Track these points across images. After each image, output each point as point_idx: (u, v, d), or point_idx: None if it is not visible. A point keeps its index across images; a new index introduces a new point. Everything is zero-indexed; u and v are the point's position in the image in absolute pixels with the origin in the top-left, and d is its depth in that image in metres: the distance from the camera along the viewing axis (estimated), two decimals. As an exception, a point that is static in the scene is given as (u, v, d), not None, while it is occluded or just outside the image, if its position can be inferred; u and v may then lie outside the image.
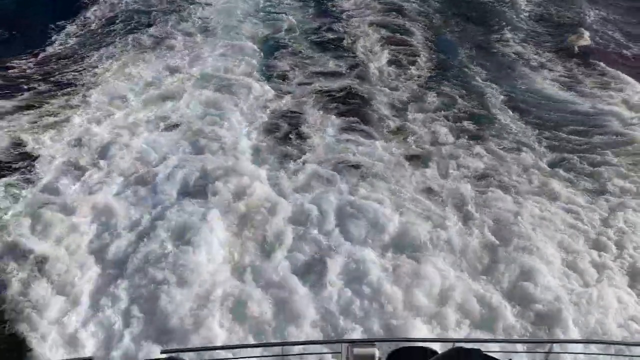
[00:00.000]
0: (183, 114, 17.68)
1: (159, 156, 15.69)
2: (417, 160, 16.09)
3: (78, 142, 16.18)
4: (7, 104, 18.12)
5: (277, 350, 8.79)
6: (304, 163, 15.68)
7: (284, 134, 17.07)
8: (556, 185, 15.23)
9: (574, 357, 9.75)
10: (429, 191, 14.88)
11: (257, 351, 8.52)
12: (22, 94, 18.70)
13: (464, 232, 13.43)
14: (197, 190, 14.41)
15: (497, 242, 13.19)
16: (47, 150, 15.82)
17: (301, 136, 16.97)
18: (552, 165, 16.08)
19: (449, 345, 6.76)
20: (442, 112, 18.47)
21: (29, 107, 17.96)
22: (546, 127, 17.99)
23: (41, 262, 12.12)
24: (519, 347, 10.19)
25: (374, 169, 15.47)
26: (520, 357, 9.63)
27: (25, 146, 15.99)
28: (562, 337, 10.97)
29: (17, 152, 15.79)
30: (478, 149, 16.64)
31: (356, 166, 15.58)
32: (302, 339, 10.45)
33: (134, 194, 14.20)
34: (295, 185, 14.76)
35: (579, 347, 10.11)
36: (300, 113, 18.16)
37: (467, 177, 15.44)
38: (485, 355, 5.91)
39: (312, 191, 14.52)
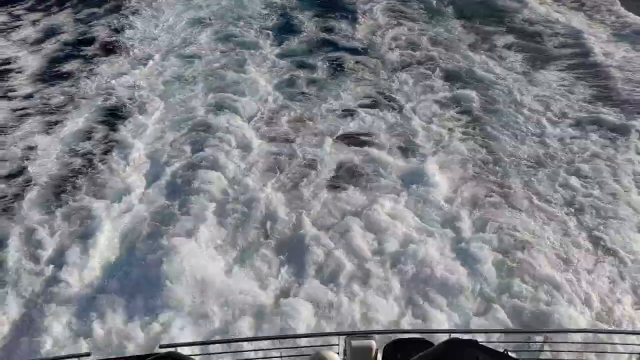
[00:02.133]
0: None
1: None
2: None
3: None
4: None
5: (274, 343, 8.59)
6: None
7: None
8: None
9: (569, 347, 9.33)
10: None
11: (255, 344, 8.30)
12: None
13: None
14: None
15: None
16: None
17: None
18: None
19: (446, 336, 6.75)
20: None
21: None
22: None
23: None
24: (515, 337, 10.03)
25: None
26: (516, 347, 9.26)
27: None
28: (557, 327, 10.68)
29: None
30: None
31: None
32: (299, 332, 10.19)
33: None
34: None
35: (574, 337, 9.83)
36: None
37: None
38: (481, 345, 5.80)
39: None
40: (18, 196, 13.98)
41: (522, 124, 16.96)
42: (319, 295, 11.41)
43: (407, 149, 15.90)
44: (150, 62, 20.30)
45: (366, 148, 15.84)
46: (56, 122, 16.67)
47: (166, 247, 12.12)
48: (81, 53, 20.82)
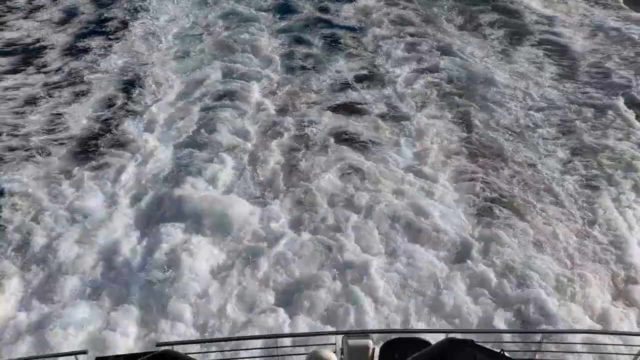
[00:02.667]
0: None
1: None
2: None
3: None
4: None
5: (271, 342, 8.54)
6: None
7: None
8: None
9: (565, 347, 9.44)
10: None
11: (251, 343, 8.27)
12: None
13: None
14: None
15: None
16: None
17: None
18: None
19: (442, 336, 6.65)
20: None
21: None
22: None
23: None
24: (511, 337, 10.16)
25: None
26: (512, 347, 9.33)
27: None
28: (553, 327, 10.77)
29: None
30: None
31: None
32: (297, 331, 10.24)
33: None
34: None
35: (570, 337, 10.02)
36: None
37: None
38: (478, 345, 5.76)
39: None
40: (49, 153, 15.95)
41: (500, 96, 18.86)
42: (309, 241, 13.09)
43: (396, 116, 17.79)
44: (162, 39, 22.13)
45: (358, 116, 17.76)
46: (82, 92, 18.61)
47: (182, 194, 14.11)
48: (102, 30, 22.68)
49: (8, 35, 22.18)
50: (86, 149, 16.06)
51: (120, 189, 14.60)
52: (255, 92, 18.73)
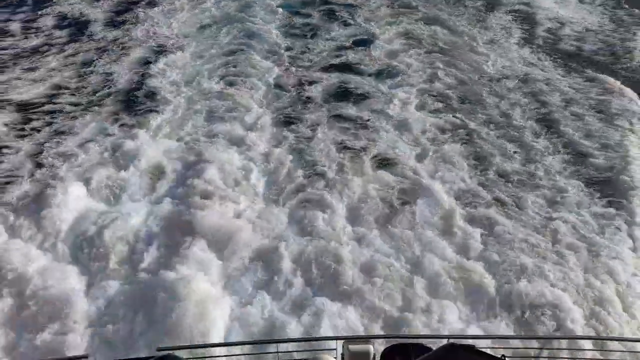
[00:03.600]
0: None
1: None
2: None
3: None
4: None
5: (271, 347, 8.42)
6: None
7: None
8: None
9: (567, 353, 9.41)
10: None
11: (252, 348, 8.33)
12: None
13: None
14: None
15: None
16: None
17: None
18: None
19: (443, 342, 6.66)
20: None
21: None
22: None
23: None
24: (513, 343, 10.25)
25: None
26: (513, 353, 9.33)
27: None
28: (554, 333, 10.75)
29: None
30: None
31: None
32: (297, 337, 10.42)
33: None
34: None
35: (572, 343, 10.01)
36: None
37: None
38: (479, 351, 5.78)
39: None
40: (101, 104, 19.60)
41: (477, 58, 22.59)
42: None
43: (389, 74, 21.32)
44: (181, 14, 25.96)
45: (353, 73, 21.30)
46: (123, 54, 22.48)
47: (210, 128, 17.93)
48: (130, 8, 26.52)
49: (59, 9, 26.10)
50: (128, 98, 19.72)
51: (157, 127, 18.20)
52: (264, 47, 22.62)
